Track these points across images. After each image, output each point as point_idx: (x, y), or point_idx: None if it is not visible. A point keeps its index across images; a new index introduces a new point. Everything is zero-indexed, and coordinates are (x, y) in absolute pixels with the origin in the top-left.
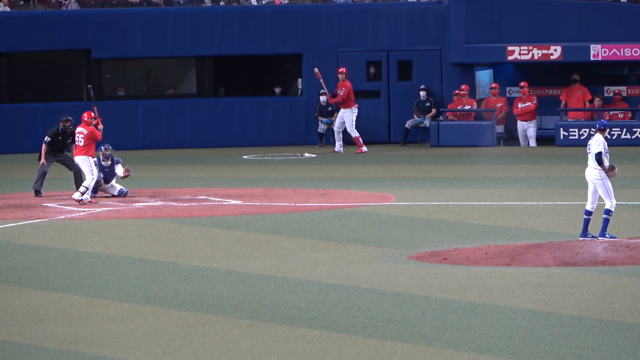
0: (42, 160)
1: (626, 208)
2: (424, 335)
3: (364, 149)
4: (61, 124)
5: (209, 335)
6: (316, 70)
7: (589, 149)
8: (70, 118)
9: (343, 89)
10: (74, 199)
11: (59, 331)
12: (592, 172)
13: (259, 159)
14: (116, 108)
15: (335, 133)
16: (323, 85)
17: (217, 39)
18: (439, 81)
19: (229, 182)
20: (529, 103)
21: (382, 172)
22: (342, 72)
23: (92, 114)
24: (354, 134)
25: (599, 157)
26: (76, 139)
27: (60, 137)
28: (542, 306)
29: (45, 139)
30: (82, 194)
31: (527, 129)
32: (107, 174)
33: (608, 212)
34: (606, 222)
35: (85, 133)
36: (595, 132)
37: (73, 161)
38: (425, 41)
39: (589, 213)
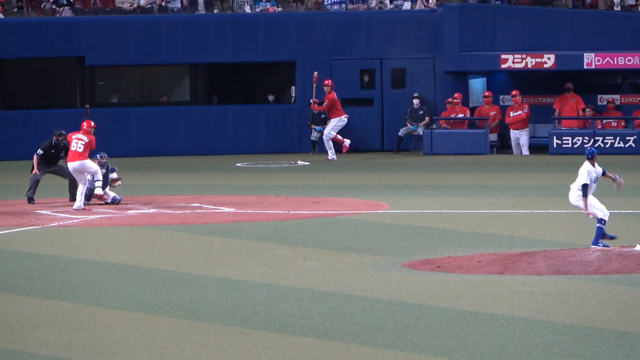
0: (35, 170)
1: (619, 216)
2: (417, 343)
3: (347, 142)
4: (54, 137)
5: (201, 343)
6: (315, 74)
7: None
8: (63, 132)
9: (326, 100)
10: (97, 195)
11: (51, 338)
12: (573, 195)
13: (252, 166)
14: (109, 115)
15: (325, 141)
16: (314, 91)
17: (211, 46)
18: (432, 89)
19: (222, 189)
20: (521, 112)
21: (375, 180)
22: (327, 85)
23: (92, 123)
24: (330, 135)
25: (584, 189)
26: (74, 144)
27: (53, 151)
28: (535, 314)
29: (38, 152)
30: (103, 188)
31: (520, 138)
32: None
33: (601, 221)
34: (599, 230)
35: (86, 141)
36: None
37: (66, 170)
38: (418, 49)
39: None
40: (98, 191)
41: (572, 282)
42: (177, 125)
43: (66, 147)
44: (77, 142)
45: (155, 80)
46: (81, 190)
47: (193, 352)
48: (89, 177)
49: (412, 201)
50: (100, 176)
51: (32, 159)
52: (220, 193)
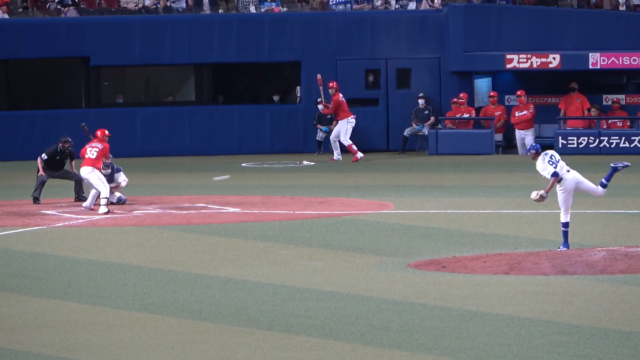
0: (40, 172)
1: (624, 217)
2: (423, 343)
3: (359, 155)
4: (60, 144)
5: (207, 343)
6: (319, 76)
7: (563, 169)
8: (69, 139)
9: (331, 103)
10: (101, 214)
11: (57, 339)
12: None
13: (257, 166)
14: (115, 115)
15: (332, 142)
16: (321, 93)
17: (216, 46)
18: (437, 89)
19: (227, 189)
20: (526, 111)
21: (381, 180)
22: (332, 87)
23: (106, 131)
24: (347, 142)
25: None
26: (88, 151)
27: (58, 157)
28: (541, 314)
29: (42, 156)
30: (106, 205)
31: (525, 137)
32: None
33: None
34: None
35: (101, 148)
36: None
37: (71, 172)
38: (424, 49)
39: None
40: (102, 210)
41: (577, 282)
42: (182, 126)
43: (71, 154)
44: (92, 149)
45: (160, 81)
46: (93, 193)
47: (198, 352)
48: (93, 191)
49: (417, 201)
50: (107, 193)
51: (37, 160)
52: (226, 193)
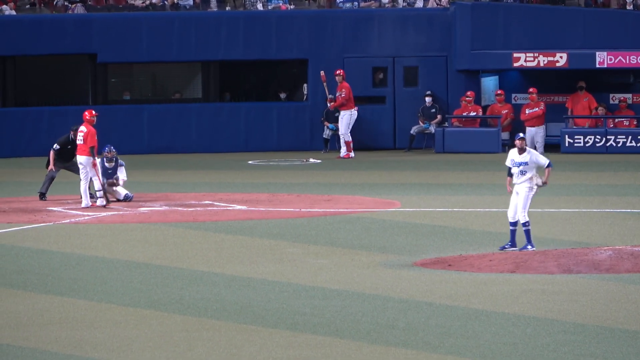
0: (51, 166)
1: (631, 216)
2: (428, 341)
3: (352, 154)
4: (72, 133)
5: (213, 340)
6: (322, 73)
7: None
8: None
9: (343, 90)
10: (99, 206)
11: (63, 335)
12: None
13: (264, 164)
14: (121, 112)
15: (341, 138)
16: (326, 89)
17: (223, 43)
18: (444, 87)
19: (234, 187)
20: (537, 109)
21: (387, 178)
22: (339, 74)
23: (93, 111)
24: (347, 137)
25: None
26: (79, 137)
27: (69, 146)
28: (546, 313)
29: (54, 147)
30: (102, 198)
31: (535, 135)
32: (110, 175)
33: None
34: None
35: (85, 131)
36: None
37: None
38: (431, 47)
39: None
40: (98, 202)
41: (583, 281)
42: (189, 123)
43: None
44: (80, 134)
45: (167, 78)
46: (84, 188)
47: (204, 349)
48: (82, 186)
49: (423, 199)
50: (99, 186)
51: (44, 155)
52: (232, 190)
